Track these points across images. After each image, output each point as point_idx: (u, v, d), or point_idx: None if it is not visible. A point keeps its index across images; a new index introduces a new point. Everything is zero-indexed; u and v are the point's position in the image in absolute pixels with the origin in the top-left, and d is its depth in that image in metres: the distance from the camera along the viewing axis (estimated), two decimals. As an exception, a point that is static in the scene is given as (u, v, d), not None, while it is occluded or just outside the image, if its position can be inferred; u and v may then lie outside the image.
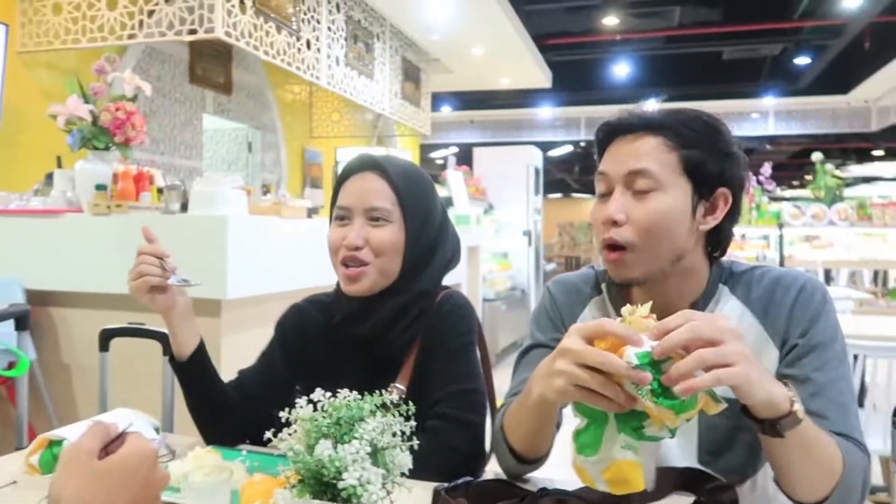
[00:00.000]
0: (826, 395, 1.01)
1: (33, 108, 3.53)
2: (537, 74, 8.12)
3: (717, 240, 1.10)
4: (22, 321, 2.41)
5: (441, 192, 6.97)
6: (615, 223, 1.04)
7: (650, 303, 0.86)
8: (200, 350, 1.28)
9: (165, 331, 1.34)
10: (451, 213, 6.39)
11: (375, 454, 0.78)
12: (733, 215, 1.09)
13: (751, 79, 10.63)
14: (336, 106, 6.98)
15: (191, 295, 1.29)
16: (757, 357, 0.86)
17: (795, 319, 1.06)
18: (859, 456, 0.97)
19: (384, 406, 0.82)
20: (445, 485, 0.97)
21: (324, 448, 0.75)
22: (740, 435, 1.08)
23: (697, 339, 0.79)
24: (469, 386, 1.24)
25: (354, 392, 0.83)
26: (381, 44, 5.81)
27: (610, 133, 1.11)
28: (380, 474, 0.76)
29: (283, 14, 4.20)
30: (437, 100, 9.12)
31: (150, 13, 3.59)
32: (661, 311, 0.85)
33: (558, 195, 20.78)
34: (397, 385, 1.24)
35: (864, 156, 13.90)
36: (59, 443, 1.13)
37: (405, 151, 7.63)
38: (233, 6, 3.64)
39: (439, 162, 14.02)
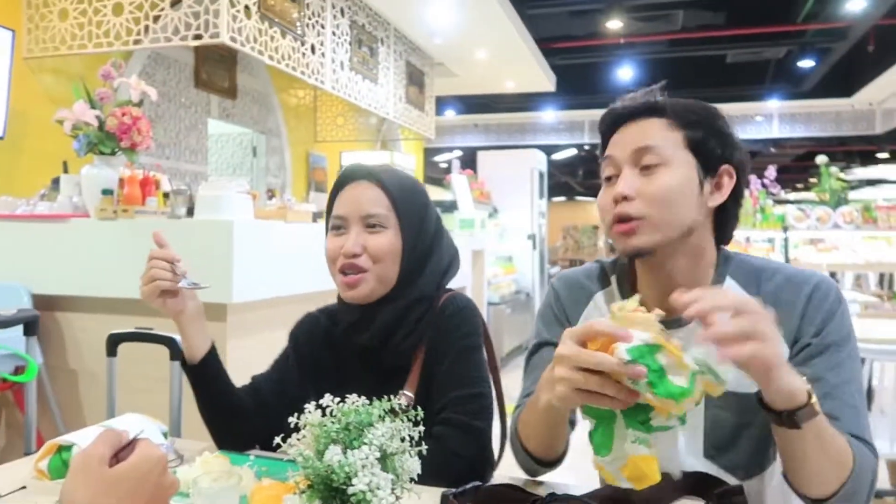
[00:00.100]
0: (839, 396, 1.01)
1: (40, 113, 3.55)
2: (541, 78, 8.11)
3: (723, 221, 1.11)
4: (30, 326, 2.41)
5: (446, 195, 6.98)
6: (625, 198, 1.05)
7: (637, 296, 0.88)
8: (212, 353, 1.28)
9: (173, 335, 1.35)
10: (456, 217, 6.41)
11: (384, 459, 0.78)
12: (737, 198, 1.10)
13: (755, 82, 10.63)
14: (340, 110, 6.99)
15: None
16: None
17: (809, 318, 1.06)
18: (869, 455, 0.98)
19: (393, 411, 0.82)
20: (454, 490, 0.97)
21: (333, 453, 0.75)
22: (746, 432, 1.08)
23: (741, 309, 0.80)
24: (474, 390, 1.24)
25: (363, 398, 0.83)
26: (386, 48, 5.82)
27: (614, 121, 1.13)
28: (389, 480, 0.76)
29: (287, 19, 4.21)
30: (441, 104, 9.14)
31: (156, 19, 3.61)
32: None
33: (562, 198, 20.80)
34: (406, 392, 1.24)
35: (868, 158, 13.88)
36: (68, 448, 1.13)
37: (409, 155, 7.63)
38: (238, 11, 3.66)
39: (443, 166, 14.04)
